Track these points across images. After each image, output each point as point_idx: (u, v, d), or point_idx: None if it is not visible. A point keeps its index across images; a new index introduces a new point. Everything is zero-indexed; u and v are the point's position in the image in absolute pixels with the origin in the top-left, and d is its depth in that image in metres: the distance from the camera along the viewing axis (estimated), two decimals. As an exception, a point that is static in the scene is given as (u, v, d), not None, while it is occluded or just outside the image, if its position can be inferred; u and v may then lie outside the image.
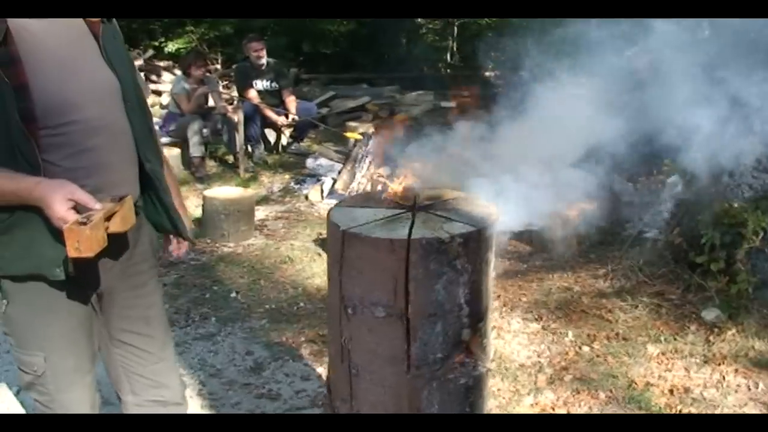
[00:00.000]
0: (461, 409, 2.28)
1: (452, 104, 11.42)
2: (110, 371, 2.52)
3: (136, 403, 2.53)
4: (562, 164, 6.88)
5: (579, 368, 3.93)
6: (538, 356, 4.08)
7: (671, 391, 3.73)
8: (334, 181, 7.43)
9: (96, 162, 2.16)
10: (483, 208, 2.32)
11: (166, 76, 12.76)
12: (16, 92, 1.94)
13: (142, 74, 12.40)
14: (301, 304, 4.81)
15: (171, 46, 14.16)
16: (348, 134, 7.80)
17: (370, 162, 7.30)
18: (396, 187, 2.46)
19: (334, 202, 5.84)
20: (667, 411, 3.55)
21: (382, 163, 7.46)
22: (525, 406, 3.62)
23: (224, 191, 6.42)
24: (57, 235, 1.96)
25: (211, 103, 8.82)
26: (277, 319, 4.56)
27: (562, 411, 3.57)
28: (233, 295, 4.95)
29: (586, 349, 4.13)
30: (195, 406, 3.64)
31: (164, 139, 8.71)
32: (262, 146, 9.08)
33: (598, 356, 4.05)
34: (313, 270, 5.40)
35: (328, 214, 2.30)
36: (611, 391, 3.73)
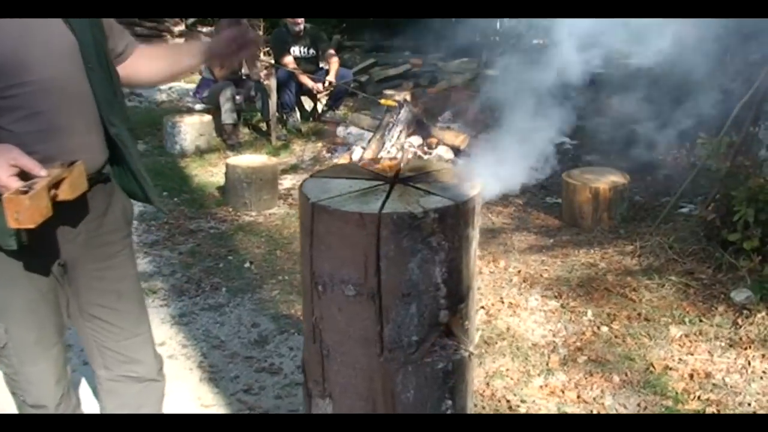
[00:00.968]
0: (440, 395, 2.13)
1: (496, 73, 11.14)
2: (84, 344, 2.43)
3: (108, 378, 2.45)
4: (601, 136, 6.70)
5: (595, 349, 3.76)
6: (554, 335, 3.92)
7: (691, 376, 3.54)
8: (364, 149, 7.28)
9: (50, 126, 2.04)
10: (466, 181, 2.16)
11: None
12: None
13: (180, 40, 12.34)
14: (315, 276, 4.68)
15: (213, 12, 14.05)
16: (383, 101, 7.60)
17: (400, 131, 7.13)
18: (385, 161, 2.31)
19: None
20: (684, 397, 3.37)
21: (413, 131, 7.31)
22: (534, 387, 3.47)
23: (247, 159, 6.32)
24: None
25: (245, 69, 8.71)
26: (288, 291, 4.46)
27: (572, 394, 3.41)
28: (247, 265, 4.86)
29: (604, 329, 3.95)
30: (194, 378, 3.57)
31: (197, 106, 8.67)
32: (297, 114, 8.97)
33: (616, 337, 3.87)
34: (333, 241, 5.26)
35: (301, 184, 2.17)
36: (626, 375, 3.55)
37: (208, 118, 8.13)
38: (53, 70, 2.02)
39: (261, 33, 13.69)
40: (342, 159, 7.33)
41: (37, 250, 2.10)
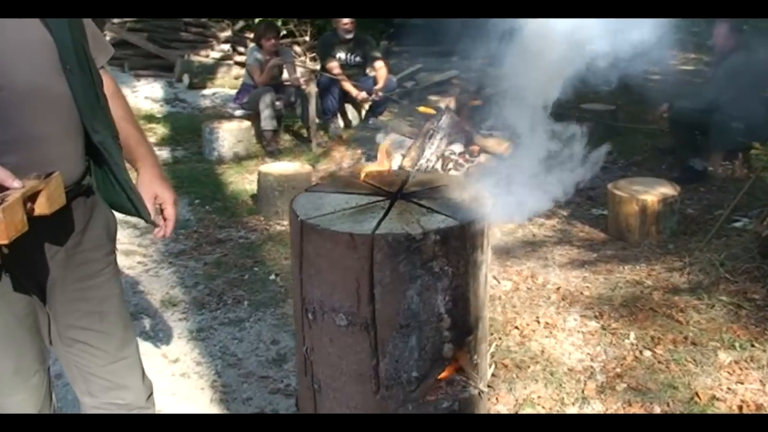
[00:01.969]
0: (445, 438, 1.90)
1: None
2: (66, 370, 2.25)
3: (94, 406, 2.26)
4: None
5: (636, 376, 3.48)
6: (592, 360, 3.64)
7: (740, 408, 3.25)
8: (403, 156, 7.05)
9: (24, 134, 1.85)
10: (475, 198, 1.92)
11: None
12: None
13: (226, 46, 12.28)
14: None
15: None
16: (422, 109, 7.39)
17: (441, 138, 6.89)
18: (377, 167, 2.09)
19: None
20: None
21: (454, 139, 7.07)
22: (567, 417, 3.21)
23: (281, 166, 6.15)
24: None
25: (285, 75, 8.57)
26: (312, 307, 4.24)
27: (609, 426, 3.13)
28: (272, 277, 4.67)
29: (647, 353, 3.67)
30: (204, 399, 3.39)
31: (237, 112, 8.55)
32: (340, 120, 8.80)
33: (659, 362, 3.58)
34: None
35: (292, 200, 1.96)
36: (668, 405, 3.27)
37: (246, 124, 7.99)
38: (28, 74, 1.83)
39: (307, 39, 13.59)
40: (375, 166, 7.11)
41: (11, 270, 1.92)
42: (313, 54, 12.44)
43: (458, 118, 7.26)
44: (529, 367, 3.57)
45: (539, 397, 3.34)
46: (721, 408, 3.24)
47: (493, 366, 2.12)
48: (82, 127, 1.99)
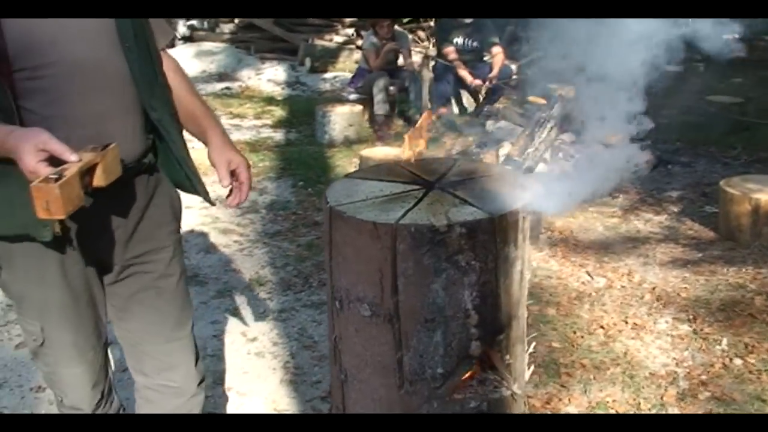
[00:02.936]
0: (472, 438, 1.83)
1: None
2: (123, 346, 2.30)
3: (146, 385, 2.29)
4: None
5: (722, 385, 3.28)
6: (677, 365, 3.46)
7: (835, 428, 3.00)
8: (512, 145, 6.91)
9: (82, 110, 1.87)
10: (514, 189, 1.84)
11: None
12: None
13: (350, 30, 12.36)
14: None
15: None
16: (532, 99, 7.23)
17: (551, 127, 6.72)
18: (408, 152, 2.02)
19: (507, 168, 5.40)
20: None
21: (566, 128, 6.88)
22: (641, 424, 3.05)
23: (383, 151, 6.14)
24: None
25: (401, 60, 8.55)
26: (397, 293, 4.21)
27: (685, 436, 2.96)
28: (361, 262, 4.66)
29: (737, 361, 3.45)
30: (275, 379, 3.41)
31: (352, 96, 8.60)
32: (454, 106, 8.71)
33: (750, 372, 3.37)
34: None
35: (329, 185, 1.93)
36: (754, 419, 3.06)
37: (358, 108, 8.03)
38: (86, 48, 1.86)
39: (432, 24, 13.51)
40: (488, 155, 7.00)
41: (70, 245, 1.97)
42: (434, 40, 12.39)
43: (573, 108, 7.05)
44: (608, 368, 3.43)
45: (614, 400, 3.20)
46: (814, 426, 3.01)
47: (531, 368, 2.02)
48: (140, 104, 2.01)
